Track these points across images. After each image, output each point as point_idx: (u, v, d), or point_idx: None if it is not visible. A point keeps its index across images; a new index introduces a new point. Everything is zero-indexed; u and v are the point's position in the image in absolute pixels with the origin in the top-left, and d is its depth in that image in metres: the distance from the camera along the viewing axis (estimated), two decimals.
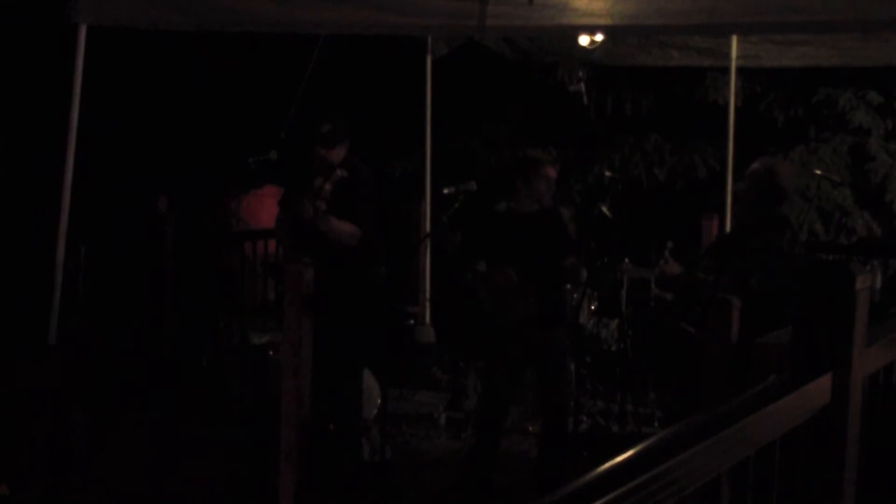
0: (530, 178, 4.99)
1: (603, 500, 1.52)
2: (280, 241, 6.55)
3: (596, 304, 6.72)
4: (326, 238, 5.14)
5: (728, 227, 6.68)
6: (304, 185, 5.30)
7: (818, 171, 7.79)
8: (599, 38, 7.07)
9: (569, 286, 6.80)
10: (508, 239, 5.00)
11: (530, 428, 6.02)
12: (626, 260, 6.30)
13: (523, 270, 4.89)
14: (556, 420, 5.04)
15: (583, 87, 9.00)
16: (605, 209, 4.95)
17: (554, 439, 5.03)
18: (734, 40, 7.08)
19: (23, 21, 9.17)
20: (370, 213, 5.33)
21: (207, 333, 7.08)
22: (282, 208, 5.58)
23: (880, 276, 6.55)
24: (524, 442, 5.79)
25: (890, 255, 7.80)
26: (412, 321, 7.77)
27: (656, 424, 5.95)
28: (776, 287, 4.23)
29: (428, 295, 8.16)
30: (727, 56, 7.19)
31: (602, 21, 5.84)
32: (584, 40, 7.14)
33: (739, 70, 7.45)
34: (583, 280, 5.02)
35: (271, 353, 6.07)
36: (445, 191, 5.35)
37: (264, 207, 8.03)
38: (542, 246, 4.94)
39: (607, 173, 6.44)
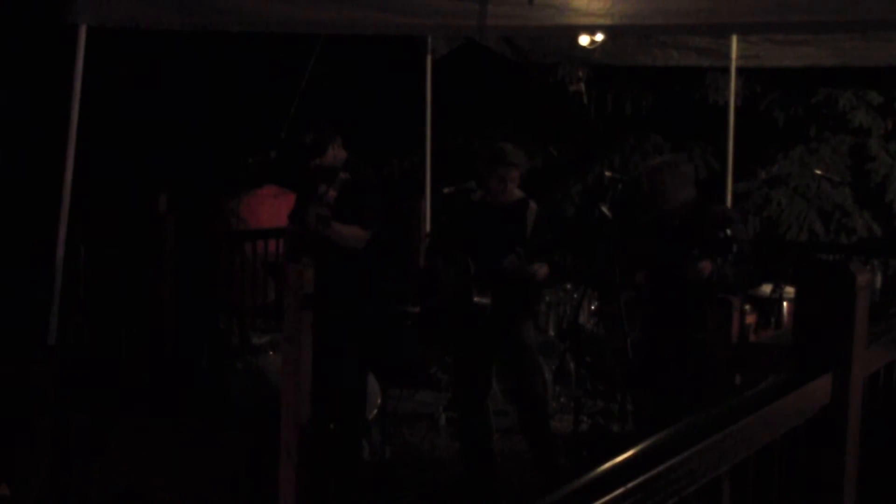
0: (484, 174, 4.99)
1: (603, 500, 1.52)
2: (288, 248, 6.57)
3: (596, 304, 6.72)
4: (332, 242, 5.14)
5: None
6: (311, 194, 5.30)
7: (818, 171, 7.79)
8: (599, 38, 7.07)
9: (568, 286, 6.82)
10: (471, 227, 5.02)
11: None
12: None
13: (476, 259, 4.89)
14: (530, 416, 5.04)
15: (583, 87, 9.01)
16: (605, 209, 4.95)
17: (534, 435, 5.05)
18: (734, 40, 7.08)
19: (23, 21, 9.17)
20: (377, 214, 5.32)
21: (207, 333, 7.08)
22: (290, 220, 5.57)
23: (880, 276, 6.55)
24: (524, 442, 5.79)
25: (890, 255, 7.80)
26: (412, 321, 7.76)
27: None
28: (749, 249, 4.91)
29: None
30: (727, 56, 7.20)
31: (602, 21, 5.84)
32: (584, 40, 7.14)
33: (739, 70, 7.45)
34: (535, 279, 4.87)
35: (271, 353, 6.08)
36: (445, 191, 5.35)
37: (264, 207, 8.03)
38: (496, 237, 4.92)
39: (607, 173, 6.44)
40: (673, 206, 4.98)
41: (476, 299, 4.83)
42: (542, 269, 4.85)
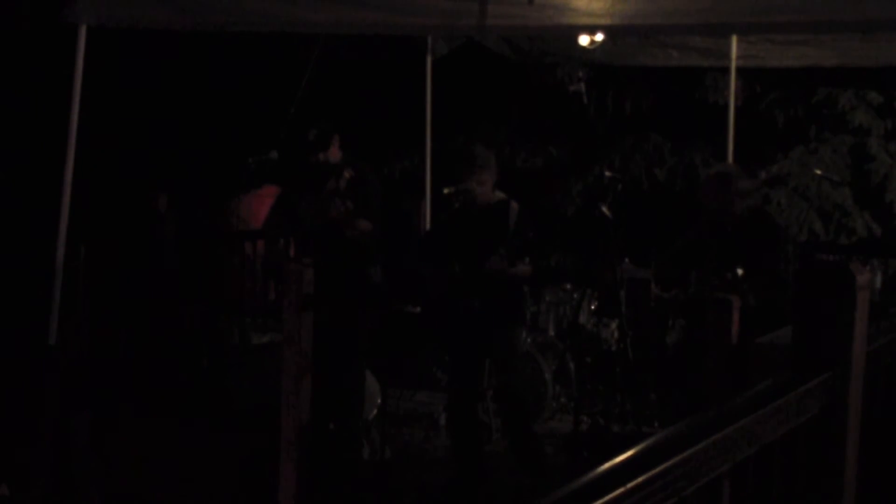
0: (462, 177, 4.96)
1: (603, 500, 1.52)
2: (268, 240, 6.59)
3: (596, 304, 6.72)
4: (330, 238, 5.17)
5: None
6: (313, 189, 5.35)
7: (818, 171, 7.79)
8: (599, 38, 7.07)
9: (568, 286, 6.81)
10: (455, 230, 5.02)
11: None
12: (627, 260, 6.30)
13: (463, 261, 4.88)
14: (510, 418, 5.04)
15: (583, 87, 9.00)
16: (605, 209, 4.95)
17: (515, 437, 5.05)
18: (734, 40, 7.08)
19: (23, 21, 9.17)
20: (379, 210, 5.38)
21: (207, 333, 7.08)
22: (276, 210, 5.60)
23: (880, 276, 6.55)
24: (508, 444, 5.78)
25: (890, 255, 7.80)
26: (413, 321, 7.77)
27: (656, 424, 5.94)
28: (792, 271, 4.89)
29: None
30: (727, 56, 7.19)
31: (602, 21, 5.84)
32: (584, 40, 7.14)
33: (739, 70, 7.45)
34: (517, 277, 4.84)
35: (271, 353, 6.08)
36: (445, 191, 5.35)
37: (264, 207, 8.01)
38: (479, 239, 4.89)
39: (607, 173, 6.43)
40: (732, 215, 4.99)
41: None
42: (525, 269, 4.83)
